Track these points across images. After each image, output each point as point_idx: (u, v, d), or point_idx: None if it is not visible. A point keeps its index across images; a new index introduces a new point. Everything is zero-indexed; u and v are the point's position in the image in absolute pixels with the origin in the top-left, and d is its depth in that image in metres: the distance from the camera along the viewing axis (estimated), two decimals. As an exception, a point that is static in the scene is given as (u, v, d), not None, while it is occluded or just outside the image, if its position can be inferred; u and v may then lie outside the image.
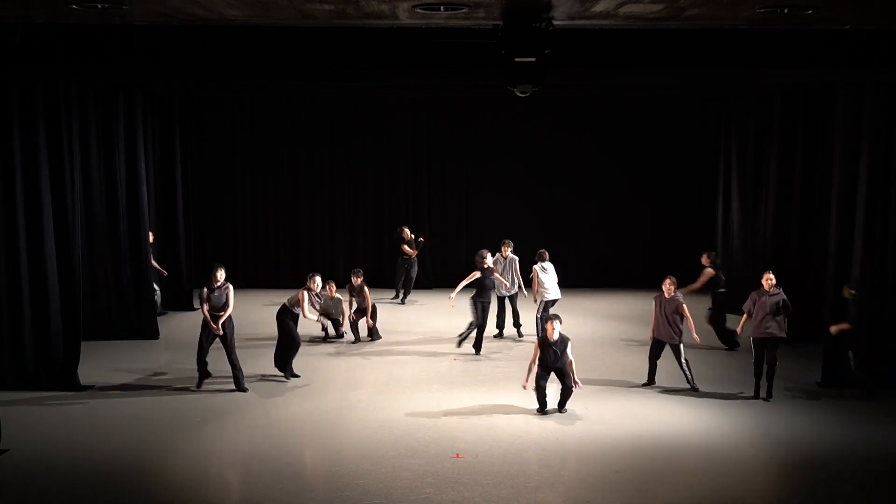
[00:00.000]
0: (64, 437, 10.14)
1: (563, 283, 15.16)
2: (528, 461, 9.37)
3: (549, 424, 10.53)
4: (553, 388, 10.89)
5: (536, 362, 10.81)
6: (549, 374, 10.85)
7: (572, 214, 20.48)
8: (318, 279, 12.57)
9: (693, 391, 11.75)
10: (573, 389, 10.84)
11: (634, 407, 11.26)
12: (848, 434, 10.30)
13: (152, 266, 15.89)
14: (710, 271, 14.57)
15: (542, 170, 20.78)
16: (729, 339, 14.22)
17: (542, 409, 10.80)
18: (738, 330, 11.69)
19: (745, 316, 11.56)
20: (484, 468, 9.06)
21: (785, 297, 11.41)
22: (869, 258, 11.87)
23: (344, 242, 20.73)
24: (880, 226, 11.84)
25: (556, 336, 10.73)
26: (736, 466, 9.29)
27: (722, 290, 14.59)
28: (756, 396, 11.36)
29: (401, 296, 18.57)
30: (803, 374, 12.39)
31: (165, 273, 16.61)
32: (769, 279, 11.47)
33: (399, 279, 18.62)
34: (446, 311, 16.87)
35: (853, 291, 11.80)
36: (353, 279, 15.15)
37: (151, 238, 16.47)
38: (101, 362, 13.26)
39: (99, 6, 8.13)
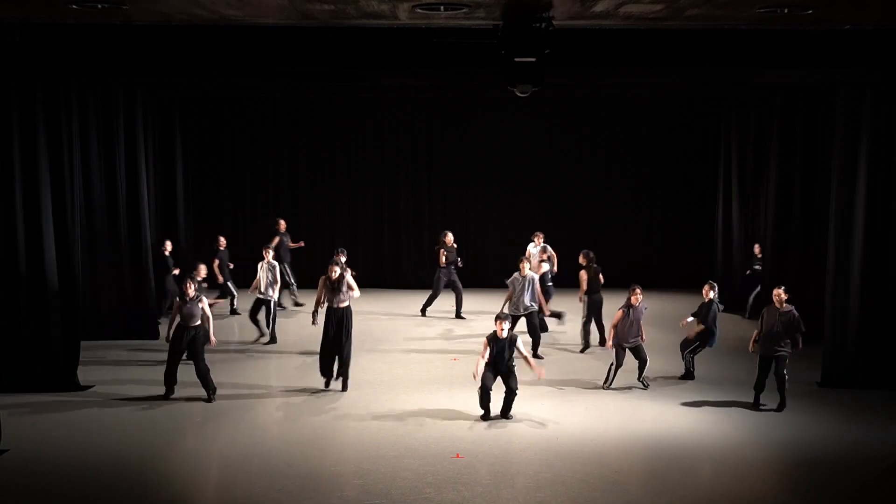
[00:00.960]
0: (64, 437, 10.14)
1: (563, 283, 15.19)
2: (528, 461, 9.37)
3: (549, 424, 10.53)
4: (498, 396, 10.67)
5: (485, 357, 10.60)
6: (495, 377, 10.69)
7: (572, 214, 20.47)
8: (338, 268, 11.91)
9: (643, 387, 11.99)
10: (516, 394, 10.62)
11: (634, 407, 11.26)
12: (848, 434, 10.30)
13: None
14: (583, 273, 14.24)
15: (543, 170, 20.78)
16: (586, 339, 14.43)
17: (486, 416, 10.62)
18: (751, 347, 11.35)
19: (755, 332, 11.26)
20: (484, 468, 9.06)
21: (797, 314, 10.96)
22: (869, 258, 11.88)
23: (344, 242, 20.70)
24: (880, 226, 11.84)
25: (504, 334, 10.60)
26: (736, 466, 9.29)
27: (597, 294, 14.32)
28: (756, 407, 11.15)
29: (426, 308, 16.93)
30: (803, 374, 12.37)
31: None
32: (779, 295, 10.99)
33: (434, 293, 16.76)
34: (446, 312, 16.86)
35: (711, 294, 12.33)
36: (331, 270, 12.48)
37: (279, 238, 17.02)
38: (101, 362, 13.27)
39: (99, 6, 8.14)
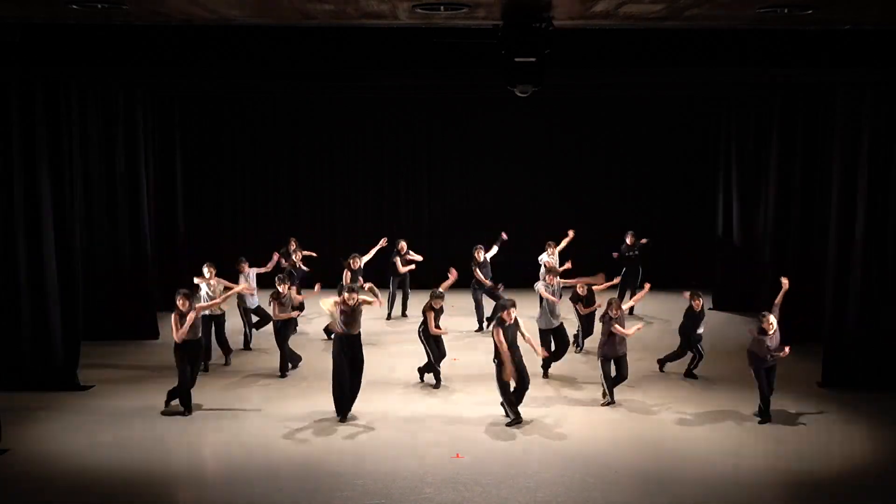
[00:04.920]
0: (64, 436, 10.14)
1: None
2: (528, 461, 9.37)
3: (550, 425, 10.53)
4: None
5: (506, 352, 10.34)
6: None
7: (572, 214, 20.41)
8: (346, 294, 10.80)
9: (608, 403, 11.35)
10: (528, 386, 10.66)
11: (635, 408, 11.26)
12: (848, 434, 10.31)
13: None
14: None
15: (543, 170, 20.76)
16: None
17: (518, 418, 10.56)
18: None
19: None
20: (484, 468, 9.06)
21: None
22: (869, 258, 11.88)
23: (343, 243, 20.69)
24: (880, 226, 11.84)
25: (512, 320, 10.47)
26: (736, 467, 9.29)
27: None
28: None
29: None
30: (803, 374, 12.38)
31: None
32: (770, 324, 10.49)
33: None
34: (447, 312, 16.81)
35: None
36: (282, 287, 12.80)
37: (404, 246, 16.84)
38: (101, 362, 13.26)
39: (99, 6, 8.14)
